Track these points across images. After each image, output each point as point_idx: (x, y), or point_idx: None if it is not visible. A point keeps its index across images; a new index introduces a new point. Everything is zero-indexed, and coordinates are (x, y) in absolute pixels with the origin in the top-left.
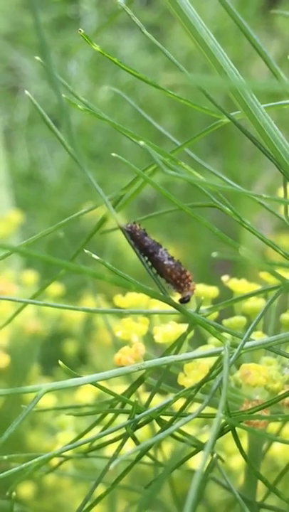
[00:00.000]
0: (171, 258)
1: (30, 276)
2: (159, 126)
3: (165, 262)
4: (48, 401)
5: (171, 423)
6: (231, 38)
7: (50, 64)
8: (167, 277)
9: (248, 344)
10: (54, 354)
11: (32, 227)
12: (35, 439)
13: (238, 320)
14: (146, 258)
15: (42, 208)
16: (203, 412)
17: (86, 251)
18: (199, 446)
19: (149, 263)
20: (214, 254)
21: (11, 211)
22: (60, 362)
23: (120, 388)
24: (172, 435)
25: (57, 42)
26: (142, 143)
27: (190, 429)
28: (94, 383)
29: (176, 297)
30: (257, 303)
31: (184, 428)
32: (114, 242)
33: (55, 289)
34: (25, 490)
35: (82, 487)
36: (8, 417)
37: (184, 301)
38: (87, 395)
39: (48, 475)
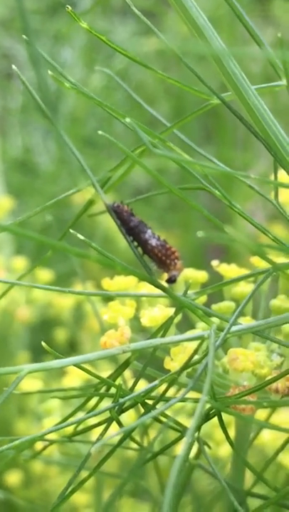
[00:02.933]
0: (157, 237)
1: (21, 262)
2: (151, 109)
3: (151, 241)
4: (34, 386)
5: (154, 407)
6: (224, 27)
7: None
8: (153, 255)
9: (234, 328)
10: (45, 342)
11: (24, 214)
12: (23, 426)
13: (227, 305)
14: (132, 238)
15: (35, 194)
16: (191, 397)
17: (72, 231)
18: (184, 432)
19: (136, 243)
20: (200, 234)
21: (2, 197)
22: (43, 343)
23: (108, 373)
24: (157, 420)
25: (50, 27)
26: (128, 120)
27: (181, 418)
28: (78, 365)
29: (164, 279)
30: (246, 288)
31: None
32: (104, 228)
33: (45, 275)
34: (13, 478)
35: (70, 475)
36: None
37: (171, 280)
38: (74, 380)
39: (35, 463)
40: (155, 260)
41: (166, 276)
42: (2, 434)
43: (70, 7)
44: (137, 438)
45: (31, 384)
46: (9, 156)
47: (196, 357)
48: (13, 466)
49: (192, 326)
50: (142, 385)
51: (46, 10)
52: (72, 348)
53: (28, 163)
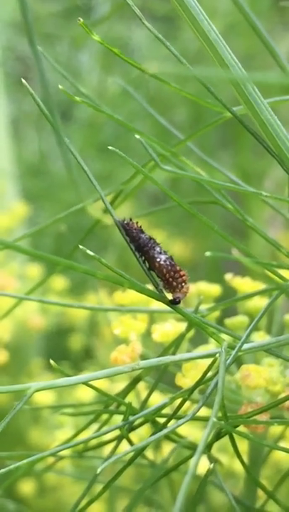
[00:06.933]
0: (166, 256)
1: (34, 270)
2: (163, 120)
3: (159, 259)
4: (47, 398)
5: (164, 426)
6: (246, 30)
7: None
8: (160, 273)
9: (246, 346)
10: (60, 348)
11: (39, 220)
12: (36, 435)
13: (240, 320)
14: (141, 254)
15: (50, 200)
16: (204, 414)
17: (81, 247)
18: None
19: (144, 259)
20: (207, 254)
21: (17, 203)
22: (51, 361)
23: (123, 385)
24: (169, 438)
25: (67, 31)
26: (137, 136)
27: (196, 428)
28: (86, 383)
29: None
30: (260, 302)
31: (189, 430)
32: (120, 236)
33: (59, 283)
34: (27, 487)
35: (84, 485)
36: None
37: (174, 302)
38: (87, 392)
39: (48, 473)
40: (162, 278)
41: (170, 295)
42: (16, 443)
43: (81, 19)
44: (150, 453)
45: (44, 395)
46: (25, 161)
47: (209, 373)
48: (27, 475)
49: (206, 340)
50: (156, 398)
51: (63, 13)
52: (87, 354)
53: (43, 168)
